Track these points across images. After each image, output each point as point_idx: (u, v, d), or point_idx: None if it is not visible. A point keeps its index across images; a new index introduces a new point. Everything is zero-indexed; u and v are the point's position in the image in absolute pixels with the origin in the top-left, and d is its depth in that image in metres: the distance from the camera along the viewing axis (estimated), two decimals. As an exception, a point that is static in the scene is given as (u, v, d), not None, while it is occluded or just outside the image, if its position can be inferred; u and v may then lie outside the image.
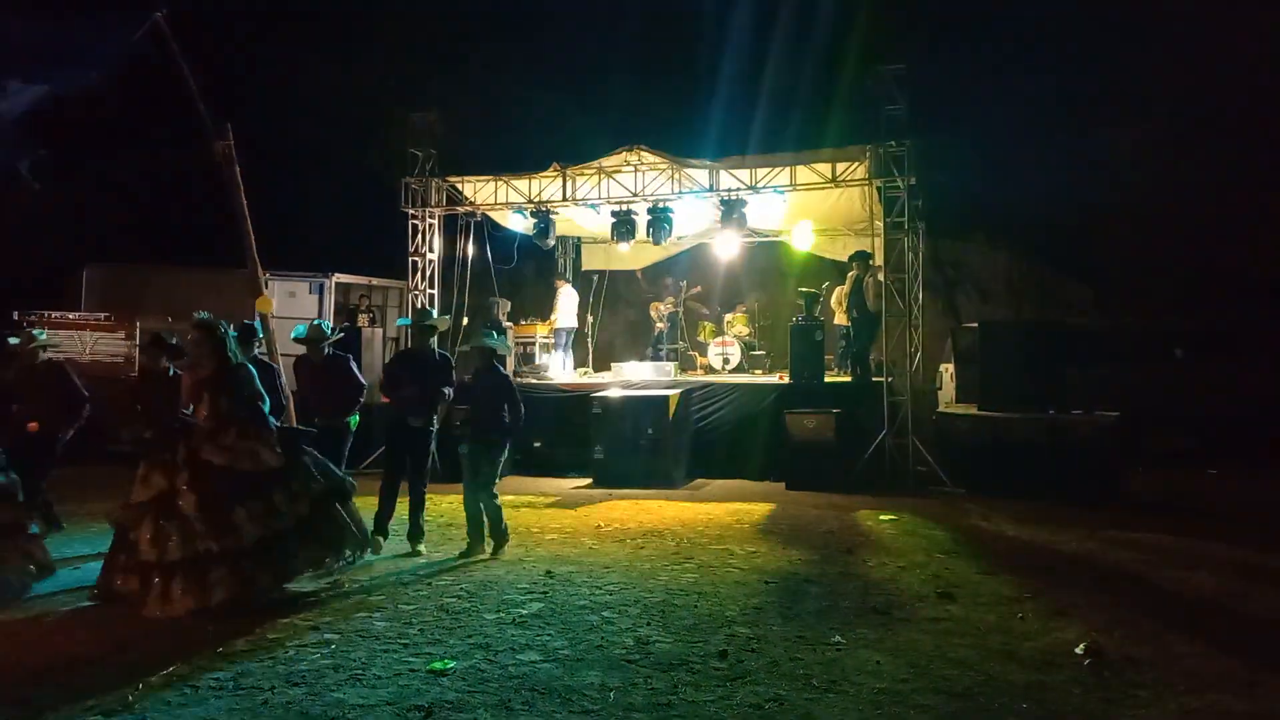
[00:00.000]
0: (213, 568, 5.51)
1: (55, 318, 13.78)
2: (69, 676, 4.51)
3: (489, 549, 7.16)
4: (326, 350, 7.67)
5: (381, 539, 7.24)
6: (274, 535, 5.72)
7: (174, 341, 7.45)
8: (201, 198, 12.55)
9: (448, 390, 7.41)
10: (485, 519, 7.16)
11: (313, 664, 4.65)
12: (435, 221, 13.20)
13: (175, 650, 4.84)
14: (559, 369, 14.07)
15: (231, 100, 11.12)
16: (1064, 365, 10.42)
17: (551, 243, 13.29)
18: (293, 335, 7.80)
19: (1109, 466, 9.61)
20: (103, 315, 13.82)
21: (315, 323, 7.81)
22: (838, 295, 12.97)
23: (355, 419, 7.72)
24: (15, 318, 13.56)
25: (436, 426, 7.50)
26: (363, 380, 7.77)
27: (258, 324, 7.80)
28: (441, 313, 12.40)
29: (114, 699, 4.17)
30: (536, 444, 11.87)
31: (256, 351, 7.68)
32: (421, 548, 7.30)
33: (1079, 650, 4.72)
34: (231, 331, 6.19)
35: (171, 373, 7.22)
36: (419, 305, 12.75)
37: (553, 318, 14.52)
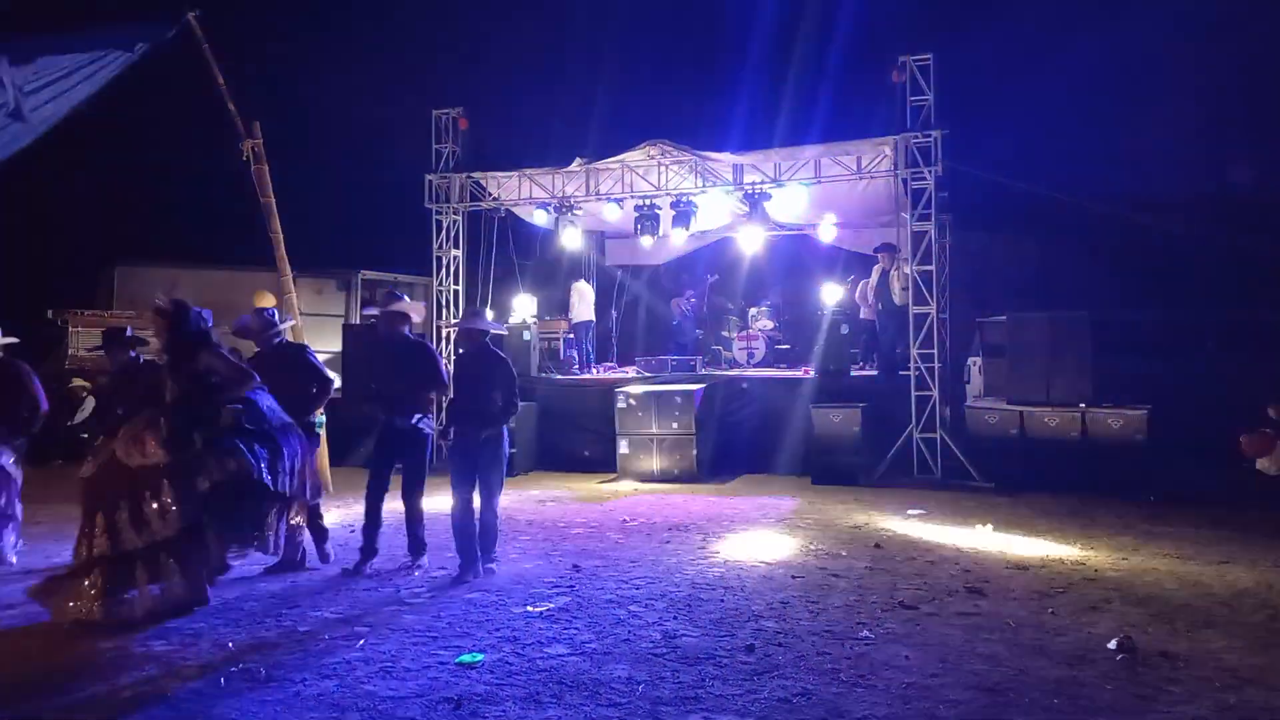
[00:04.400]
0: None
1: (88, 316, 14.01)
2: (97, 670, 4.58)
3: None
4: (277, 339, 6.73)
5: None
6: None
7: (129, 333, 6.89)
8: (231, 196, 12.69)
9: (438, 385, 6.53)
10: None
11: (343, 657, 4.70)
12: (459, 218, 13.26)
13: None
14: (581, 364, 14.13)
15: (260, 98, 11.22)
16: (1093, 358, 10.30)
17: (575, 238, 13.31)
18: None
19: (1140, 460, 9.48)
20: (133, 314, 14.02)
21: (260, 310, 6.92)
22: (863, 289, 12.88)
23: (322, 419, 6.78)
24: (49, 315, 13.83)
25: (434, 428, 6.54)
26: (328, 373, 6.64)
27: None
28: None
29: (150, 690, 4.23)
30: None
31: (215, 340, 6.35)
32: (424, 560, 6.57)
33: (1112, 645, 4.67)
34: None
35: (141, 361, 6.63)
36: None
37: (570, 315, 14.57)
